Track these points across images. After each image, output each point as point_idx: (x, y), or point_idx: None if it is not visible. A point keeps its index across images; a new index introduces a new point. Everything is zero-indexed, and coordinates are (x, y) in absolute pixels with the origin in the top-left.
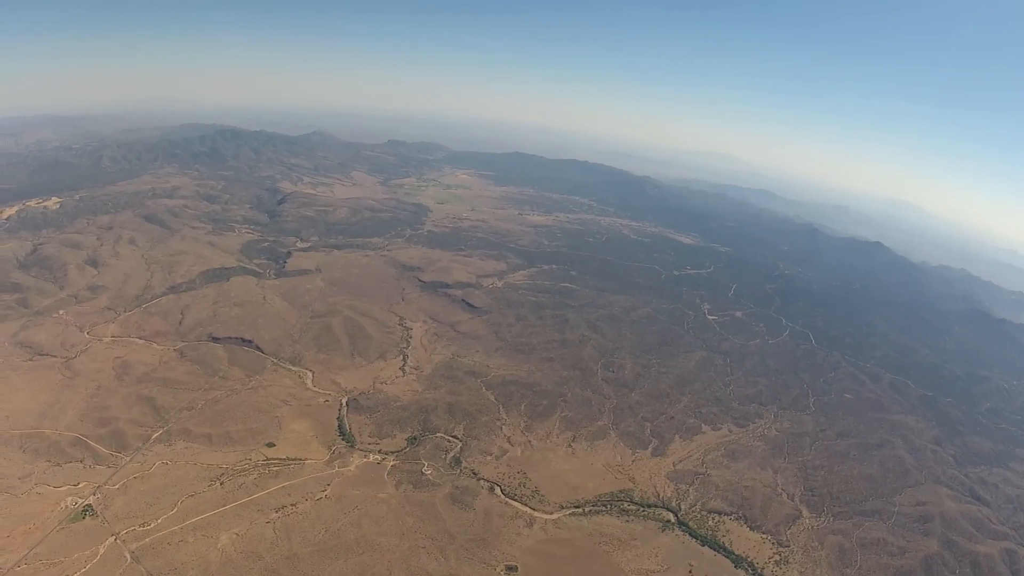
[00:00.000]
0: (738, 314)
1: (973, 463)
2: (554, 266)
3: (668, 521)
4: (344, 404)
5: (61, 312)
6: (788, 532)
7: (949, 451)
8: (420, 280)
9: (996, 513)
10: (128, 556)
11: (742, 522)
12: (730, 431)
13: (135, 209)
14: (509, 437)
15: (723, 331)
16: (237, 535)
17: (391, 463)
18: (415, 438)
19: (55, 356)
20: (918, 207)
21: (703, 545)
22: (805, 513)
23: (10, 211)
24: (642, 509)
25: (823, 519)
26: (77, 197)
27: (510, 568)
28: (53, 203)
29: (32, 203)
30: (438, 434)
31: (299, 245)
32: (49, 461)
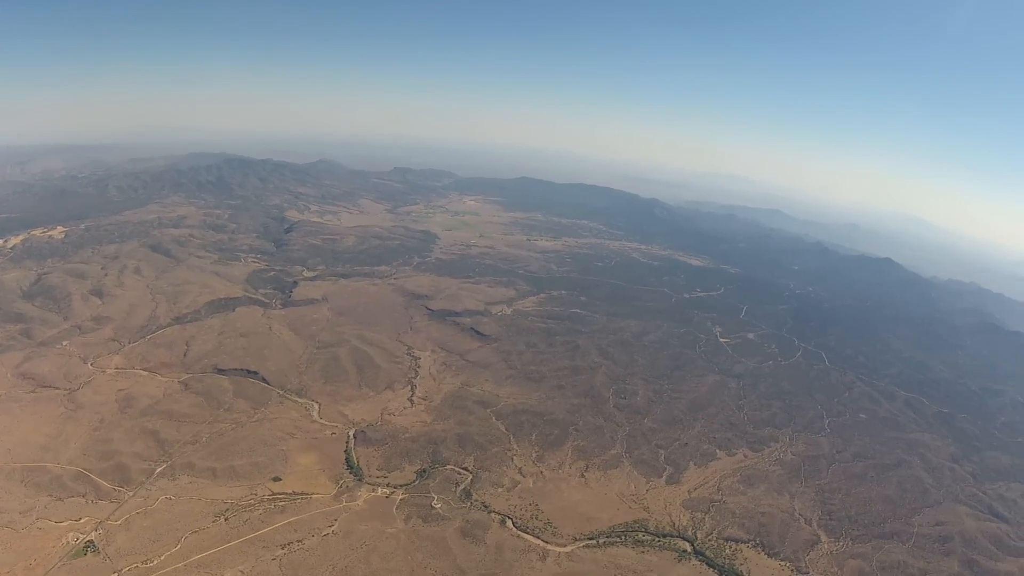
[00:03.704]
0: (750, 336)
1: (991, 479)
2: (564, 292)
3: (684, 551)
4: (352, 436)
5: (65, 343)
6: (807, 558)
7: (967, 468)
8: (428, 308)
9: (1016, 529)
10: None
11: (760, 549)
12: (745, 456)
13: (141, 239)
14: (520, 468)
15: (735, 353)
16: (242, 573)
17: (400, 497)
18: (424, 471)
19: (58, 388)
20: (927, 222)
21: (720, 575)
22: (824, 538)
23: (15, 240)
24: (657, 539)
25: (842, 543)
26: (83, 226)
27: None
28: (58, 232)
29: (37, 232)
30: (448, 466)
31: (306, 274)
32: (51, 495)
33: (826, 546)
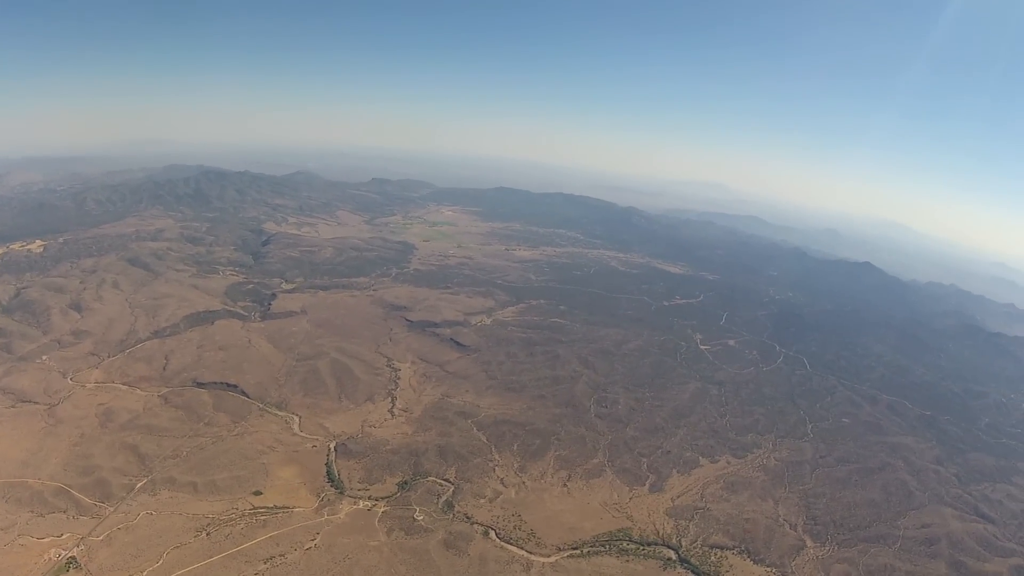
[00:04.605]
0: (731, 342)
1: (976, 480)
2: (543, 301)
3: (669, 559)
4: (332, 449)
5: (44, 357)
6: (793, 563)
7: (951, 470)
8: (407, 320)
9: (1002, 530)
10: None
11: (745, 556)
12: (728, 463)
13: (119, 252)
14: (502, 479)
15: (716, 361)
16: None
17: (382, 509)
18: (406, 483)
19: (38, 403)
20: (905, 226)
21: None
22: (809, 543)
23: None
24: (642, 548)
25: (827, 548)
26: (61, 240)
27: None
28: (37, 246)
29: (16, 246)
30: (429, 478)
31: (284, 286)
32: (32, 511)
33: (812, 551)
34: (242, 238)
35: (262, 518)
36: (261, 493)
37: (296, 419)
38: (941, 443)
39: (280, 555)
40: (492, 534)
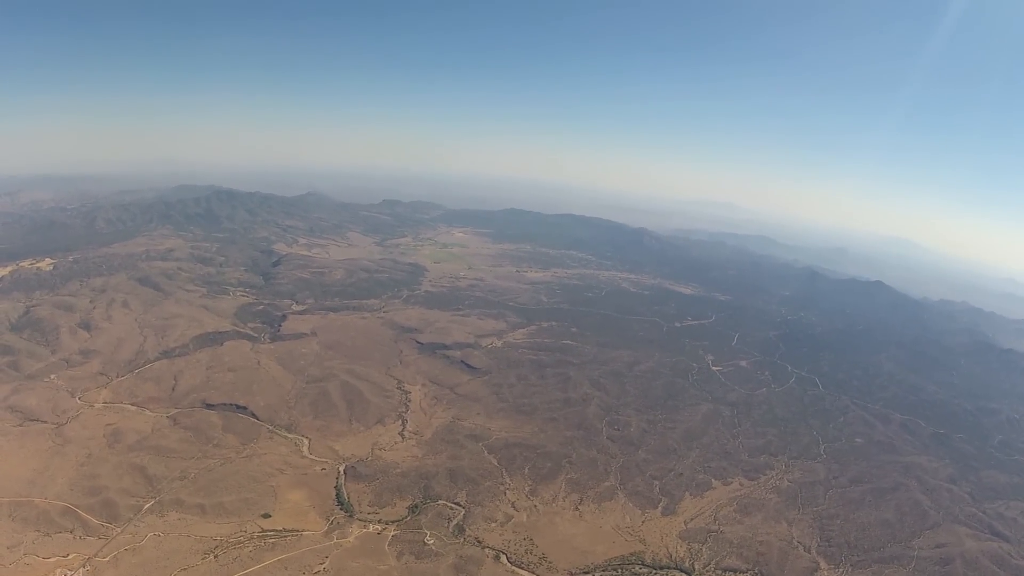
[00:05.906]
0: (742, 363)
1: (990, 498)
2: (554, 323)
3: None
4: (342, 472)
5: (52, 376)
6: None
7: (965, 488)
8: (418, 342)
9: (1017, 548)
10: None
11: None
12: (741, 484)
13: (129, 271)
14: (513, 502)
15: (728, 382)
16: None
17: (392, 533)
18: (416, 506)
19: (46, 422)
20: (912, 242)
21: None
22: (823, 565)
23: (3, 271)
24: (654, 572)
25: (842, 570)
26: (71, 258)
27: None
28: (47, 264)
29: (26, 264)
30: (440, 501)
31: (294, 308)
32: (38, 531)
33: (826, 573)
34: (252, 259)
35: (270, 541)
36: (270, 516)
37: (306, 441)
38: (955, 462)
39: None
40: (503, 558)
